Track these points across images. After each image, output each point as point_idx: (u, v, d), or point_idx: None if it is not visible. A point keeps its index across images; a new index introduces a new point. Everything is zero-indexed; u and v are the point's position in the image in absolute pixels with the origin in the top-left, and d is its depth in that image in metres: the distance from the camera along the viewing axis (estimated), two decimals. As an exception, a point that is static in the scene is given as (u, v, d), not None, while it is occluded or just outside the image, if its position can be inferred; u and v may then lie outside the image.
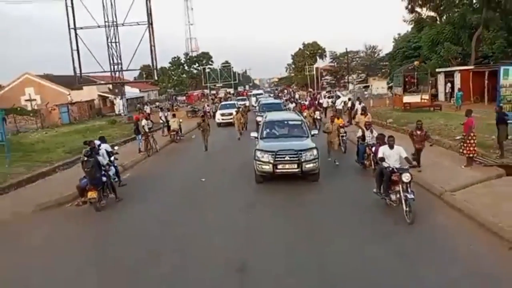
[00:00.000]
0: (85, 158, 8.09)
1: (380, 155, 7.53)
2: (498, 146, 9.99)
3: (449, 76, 26.20)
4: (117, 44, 24.15)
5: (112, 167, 9.72)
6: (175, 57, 79.18)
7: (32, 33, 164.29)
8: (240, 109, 20.53)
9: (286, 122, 11.58)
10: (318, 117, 19.70)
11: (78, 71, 24.56)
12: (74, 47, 23.74)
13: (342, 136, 13.11)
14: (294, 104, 27.10)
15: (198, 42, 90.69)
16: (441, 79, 26.88)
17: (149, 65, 58.36)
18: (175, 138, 17.88)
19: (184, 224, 7.50)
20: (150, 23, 23.48)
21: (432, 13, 29.58)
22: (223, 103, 30.17)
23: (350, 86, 45.45)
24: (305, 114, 18.83)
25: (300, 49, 74.51)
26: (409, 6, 29.86)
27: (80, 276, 5.54)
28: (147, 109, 25.87)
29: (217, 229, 7.11)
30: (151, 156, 15.11)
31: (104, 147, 9.88)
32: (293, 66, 78.82)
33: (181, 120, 18.87)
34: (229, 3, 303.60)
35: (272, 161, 9.29)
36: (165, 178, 11.73)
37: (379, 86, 30.70)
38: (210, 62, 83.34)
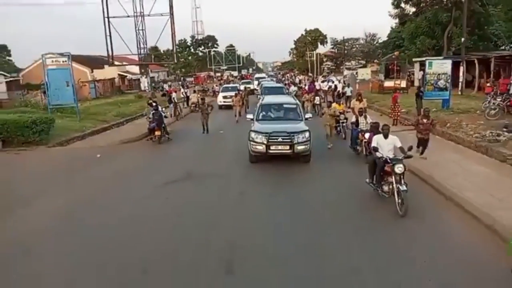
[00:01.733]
0: (154, 111, 13.56)
1: (373, 144, 7.48)
2: (417, 113, 15.34)
3: (423, 65, 31.30)
4: (143, 31, 29.48)
5: (163, 121, 15.20)
6: (181, 40, 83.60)
7: (48, 15, 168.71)
8: (241, 92, 21.98)
9: (281, 105, 12.17)
10: (318, 102, 20.06)
11: (110, 53, 29.77)
12: (108, 33, 28.94)
13: (342, 122, 13.56)
14: (296, 88, 28.61)
15: (204, 25, 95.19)
16: (416, 67, 31.98)
17: (156, 47, 63.64)
18: (194, 109, 23.23)
19: (210, 151, 12.98)
20: (171, 14, 28.71)
21: (414, 9, 34.47)
22: (224, 85, 31.14)
23: (345, 72, 50.56)
24: (304, 98, 20.26)
25: (302, 35, 78.97)
26: (395, 2, 34.73)
27: (155, 169, 10.82)
28: (166, 87, 31.24)
29: (228, 152, 12.53)
30: (178, 120, 20.59)
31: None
32: (295, 51, 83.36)
33: (199, 95, 24.19)
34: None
35: (265, 142, 9.94)
36: (192, 132, 17.12)
37: (364, 72, 35.88)
38: (216, 45, 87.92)
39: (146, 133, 14.35)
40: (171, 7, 28.72)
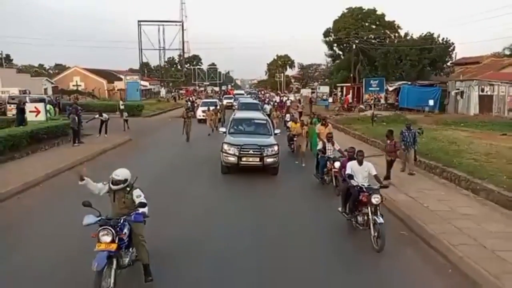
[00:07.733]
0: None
1: (348, 171, 7.42)
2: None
3: (342, 89, 51.85)
4: (164, 59, 48.84)
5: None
6: (170, 58, 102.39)
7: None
8: (215, 107, 26.26)
9: (252, 120, 13.62)
10: (288, 119, 20.60)
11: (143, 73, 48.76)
12: (141, 59, 47.93)
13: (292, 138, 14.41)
14: (270, 106, 33.16)
15: (190, 45, 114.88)
16: (339, 90, 52.49)
17: (147, 63, 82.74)
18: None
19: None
20: (183, 49, 48.22)
21: (341, 52, 55.34)
22: (204, 100, 35.67)
23: (301, 91, 70.98)
24: (273, 116, 23.26)
25: (274, 59, 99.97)
26: (328, 46, 55.53)
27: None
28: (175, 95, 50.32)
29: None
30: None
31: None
32: (268, 72, 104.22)
33: (198, 101, 43.10)
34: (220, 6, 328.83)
35: (237, 154, 11.26)
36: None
37: (306, 92, 56.20)
38: (200, 64, 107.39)
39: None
40: (183, 45, 48.37)
